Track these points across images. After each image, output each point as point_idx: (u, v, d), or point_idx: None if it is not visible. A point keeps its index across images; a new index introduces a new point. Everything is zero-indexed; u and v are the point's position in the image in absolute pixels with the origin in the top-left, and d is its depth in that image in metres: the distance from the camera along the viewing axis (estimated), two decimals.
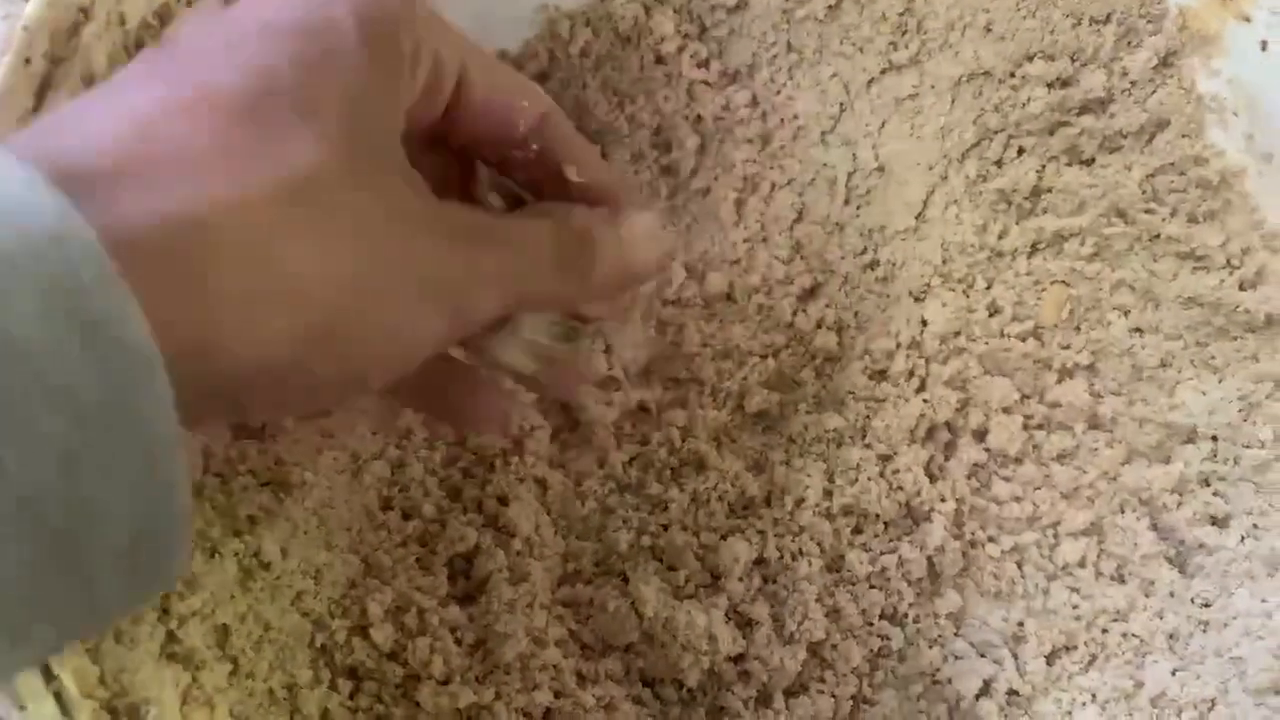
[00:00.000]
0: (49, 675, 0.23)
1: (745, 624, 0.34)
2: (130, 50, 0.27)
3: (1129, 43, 0.37)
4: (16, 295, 0.15)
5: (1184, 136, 0.37)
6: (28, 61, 0.25)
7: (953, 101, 0.38)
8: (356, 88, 0.22)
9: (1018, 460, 0.37)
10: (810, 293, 0.39)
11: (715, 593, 0.35)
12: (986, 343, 0.38)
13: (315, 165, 0.20)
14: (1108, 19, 0.37)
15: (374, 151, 0.22)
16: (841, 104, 0.40)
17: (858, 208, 0.39)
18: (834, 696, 0.34)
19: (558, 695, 0.32)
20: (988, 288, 0.38)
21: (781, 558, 0.35)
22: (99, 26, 0.26)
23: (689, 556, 0.35)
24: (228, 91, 0.20)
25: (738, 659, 0.34)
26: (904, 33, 0.39)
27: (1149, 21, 0.36)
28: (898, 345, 0.38)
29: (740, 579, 0.35)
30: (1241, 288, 0.36)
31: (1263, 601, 0.34)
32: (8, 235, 0.15)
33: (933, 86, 0.39)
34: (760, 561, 0.35)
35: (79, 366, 0.15)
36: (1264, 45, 0.35)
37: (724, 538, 0.35)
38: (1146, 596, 0.35)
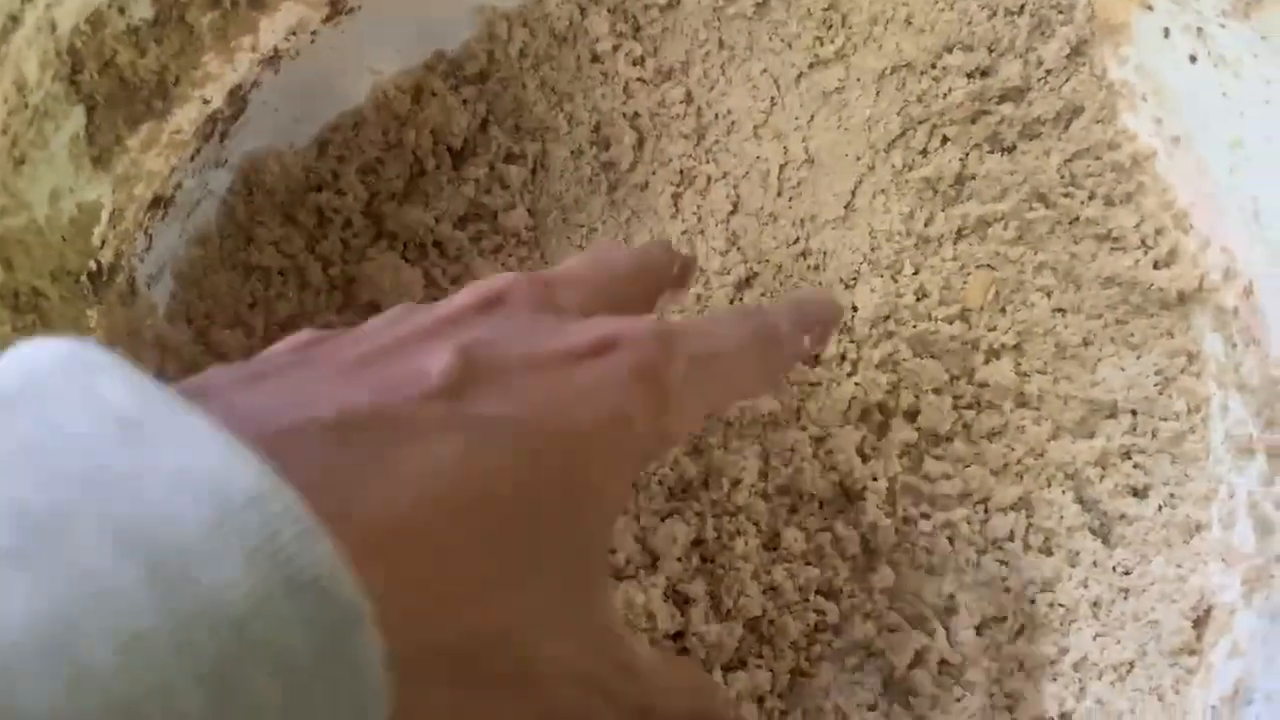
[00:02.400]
0: None
1: (683, 602, 0.35)
2: (62, 55, 0.28)
3: (1042, 33, 0.38)
4: (224, 561, 0.15)
5: (1098, 122, 0.38)
6: None
7: (877, 94, 0.40)
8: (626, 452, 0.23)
9: (948, 439, 0.38)
10: (746, 282, 0.40)
11: (654, 572, 0.36)
12: (915, 326, 0.39)
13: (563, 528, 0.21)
14: (1021, 10, 0.38)
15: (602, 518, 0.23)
16: (772, 98, 0.41)
17: (790, 199, 0.41)
18: (772, 670, 0.35)
19: None
20: (915, 273, 0.39)
21: (719, 537, 0.36)
22: (29, 32, 0.27)
23: (628, 539, 0.36)
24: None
25: (676, 636, 0.35)
26: (829, 28, 0.40)
27: (1060, 12, 0.38)
28: None
29: (679, 559, 0.36)
30: (1156, 266, 0.37)
31: (1177, 567, 0.35)
32: (210, 504, 0.15)
33: (858, 80, 0.40)
34: (698, 542, 0.36)
35: (291, 626, 0.15)
36: (1166, 33, 0.36)
37: (663, 519, 0.36)
38: (1072, 567, 0.37)
